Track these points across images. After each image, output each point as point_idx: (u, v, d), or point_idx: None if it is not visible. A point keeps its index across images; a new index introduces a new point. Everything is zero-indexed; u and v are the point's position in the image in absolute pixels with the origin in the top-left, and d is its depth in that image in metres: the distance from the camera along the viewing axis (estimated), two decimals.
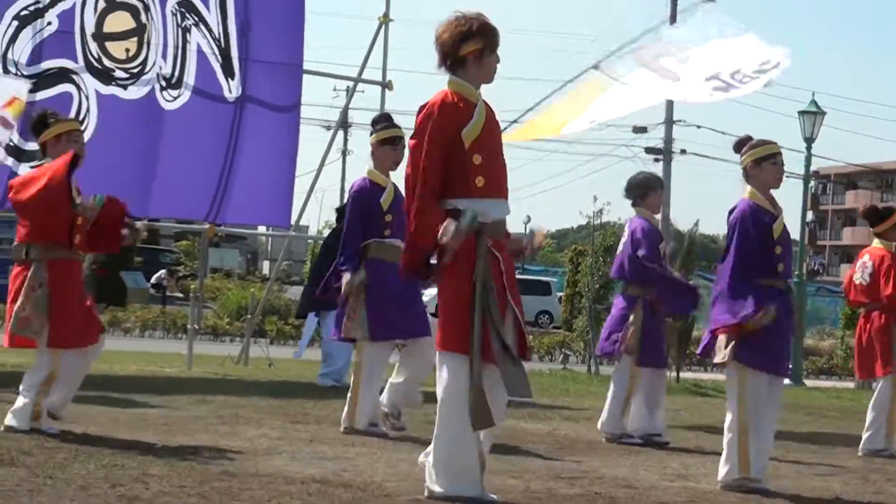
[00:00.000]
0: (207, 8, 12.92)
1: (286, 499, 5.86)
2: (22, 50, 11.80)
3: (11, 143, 11.64)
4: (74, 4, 12.05)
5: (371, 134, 8.94)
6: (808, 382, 22.36)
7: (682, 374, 17.72)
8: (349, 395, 8.73)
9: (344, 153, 56.80)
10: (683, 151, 39.09)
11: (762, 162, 7.38)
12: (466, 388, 5.82)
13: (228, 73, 13.06)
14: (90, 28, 12.17)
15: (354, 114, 60.74)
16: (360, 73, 15.38)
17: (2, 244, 25.68)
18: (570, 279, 30.12)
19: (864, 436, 9.82)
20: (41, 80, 11.90)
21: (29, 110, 11.29)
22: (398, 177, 8.51)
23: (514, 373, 5.87)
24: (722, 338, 7.27)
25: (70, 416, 7.93)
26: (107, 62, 12.26)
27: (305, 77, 13.82)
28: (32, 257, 7.40)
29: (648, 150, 37.29)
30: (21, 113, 10.53)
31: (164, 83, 12.60)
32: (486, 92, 6.24)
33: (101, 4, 12.22)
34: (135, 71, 12.43)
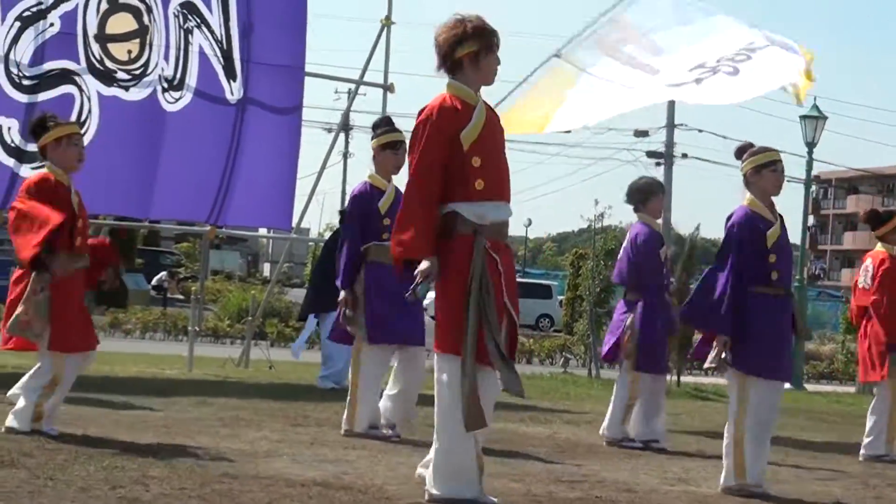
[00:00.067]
0: (209, 10, 12.92)
1: (287, 501, 5.86)
2: (24, 51, 11.79)
3: (13, 145, 11.64)
4: (77, 6, 12.05)
5: (372, 138, 8.95)
6: (809, 387, 22.34)
7: (682, 378, 17.71)
8: (348, 398, 8.73)
9: (345, 156, 56.81)
10: (685, 155, 39.19)
11: (762, 169, 7.39)
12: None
13: (230, 75, 13.06)
14: (92, 29, 12.17)
15: (356, 116, 60.82)
16: (362, 75, 15.38)
17: (3, 245, 25.65)
18: (571, 283, 30.11)
19: (865, 441, 9.82)
20: (43, 82, 11.90)
21: (30, 112, 11.33)
22: (401, 180, 8.53)
23: (508, 372, 5.86)
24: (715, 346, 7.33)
25: (70, 417, 7.94)
26: (109, 63, 12.26)
27: (307, 79, 13.83)
28: None
29: (650, 154, 37.36)
30: None
31: (165, 85, 12.60)
32: (487, 94, 6.25)
33: (104, 6, 12.22)
34: (137, 72, 12.42)
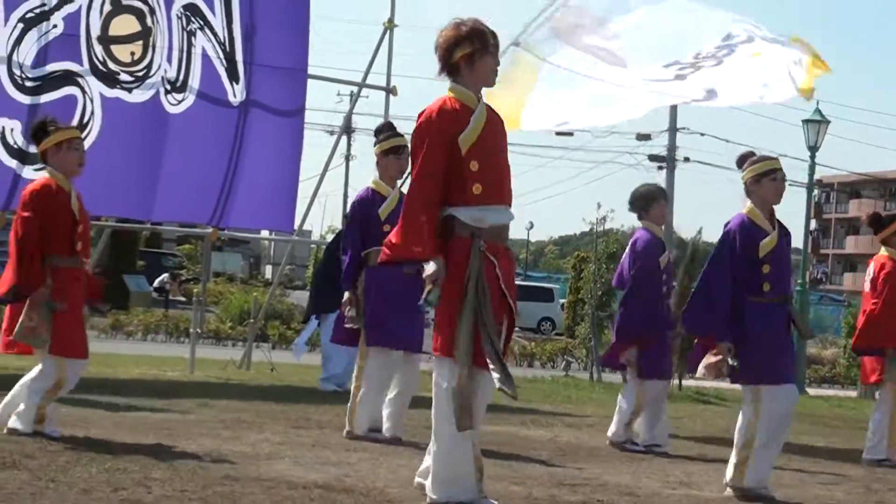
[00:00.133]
0: (213, 12, 12.92)
1: None
2: (27, 52, 11.79)
3: (15, 146, 11.64)
4: (80, 7, 12.04)
5: (375, 144, 8.95)
6: (811, 391, 22.35)
7: (684, 382, 17.69)
8: (350, 400, 8.74)
9: (347, 158, 56.81)
10: (687, 159, 39.08)
11: (762, 178, 7.41)
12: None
13: (233, 77, 13.06)
14: (95, 31, 12.17)
15: (358, 119, 60.84)
16: (365, 78, 15.38)
17: (4, 246, 25.68)
18: (573, 286, 30.13)
19: (867, 446, 9.83)
20: (46, 83, 11.89)
21: (33, 114, 11.33)
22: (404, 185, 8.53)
23: (504, 374, 5.84)
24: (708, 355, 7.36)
25: (72, 419, 7.94)
26: (112, 65, 12.26)
27: (310, 82, 13.82)
28: None
29: (652, 158, 37.32)
30: None
31: (168, 87, 12.60)
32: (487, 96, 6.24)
33: (107, 7, 12.21)
34: (140, 74, 12.42)
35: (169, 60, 12.60)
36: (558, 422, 11.09)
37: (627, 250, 9.83)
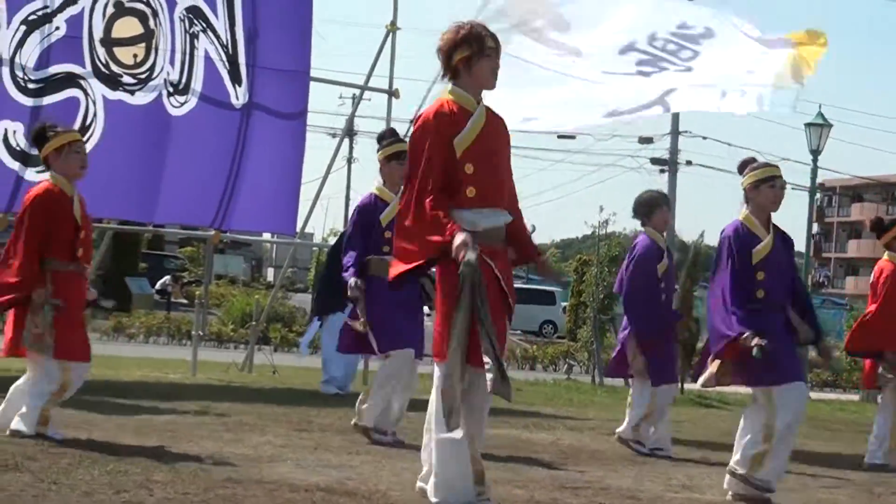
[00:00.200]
0: (215, 14, 12.92)
1: None
2: (30, 54, 11.79)
3: (18, 148, 11.64)
4: (83, 9, 12.05)
5: (378, 150, 8.96)
6: (813, 395, 22.28)
7: (686, 386, 17.68)
8: (364, 392, 8.80)
9: (349, 161, 56.76)
10: (689, 163, 39.02)
11: (760, 184, 7.43)
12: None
13: (235, 79, 13.06)
14: (98, 33, 12.17)
15: (360, 122, 60.82)
16: (367, 80, 15.37)
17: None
18: (575, 289, 30.08)
19: (869, 450, 9.86)
20: (48, 85, 11.90)
21: (36, 116, 11.34)
22: None
23: (500, 375, 5.81)
24: (713, 365, 7.36)
25: (74, 421, 7.94)
26: (114, 67, 12.26)
27: (312, 84, 13.81)
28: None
29: (654, 161, 37.26)
30: None
31: (171, 89, 12.60)
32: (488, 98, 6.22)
33: (110, 10, 12.22)
34: (142, 76, 12.42)
35: (171, 63, 12.61)
36: (560, 425, 11.08)
37: (627, 256, 9.90)
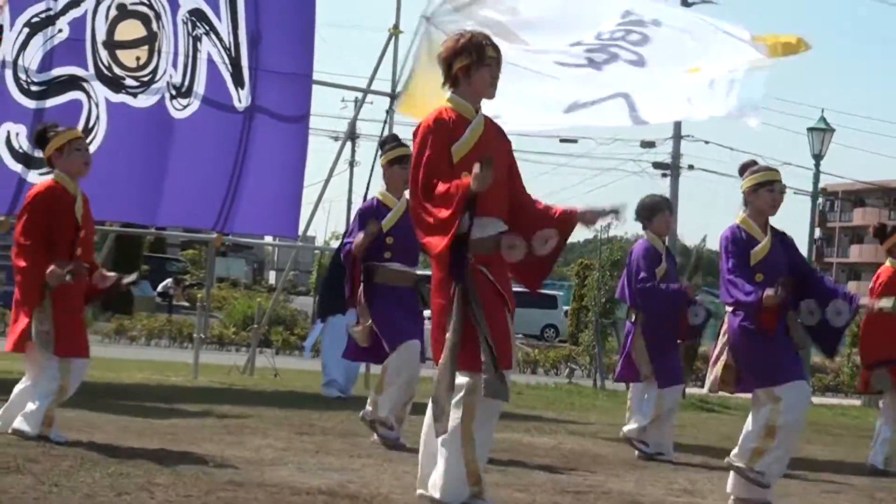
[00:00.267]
0: (218, 17, 12.93)
1: None
2: (32, 57, 11.81)
3: (21, 150, 11.64)
4: (86, 12, 12.07)
5: (380, 155, 8.96)
6: (815, 399, 22.25)
7: (688, 390, 17.66)
8: (376, 385, 8.83)
9: (351, 164, 56.71)
10: (691, 167, 39.15)
11: (759, 188, 7.43)
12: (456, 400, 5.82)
13: (238, 82, 13.06)
14: (101, 36, 12.19)
15: (363, 125, 60.78)
16: (370, 84, 15.38)
17: (8, 250, 25.73)
18: (577, 293, 30.08)
19: (872, 451, 9.95)
20: (51, 88, 11.91)
21: (38, 118, 11.35)
22: None
23: (494, 377, 5.80)
24: (717, 367, 7.38)
25: (76, 424, 7.94)
26: (117, 70, 12.28)
27: (314, 87, 13.82)
28: None
29: (656, 165, 37.25)
30: None
31: (174, 92, 12.61)
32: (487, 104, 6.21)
33: (113, 12, 12.24)
34: (145, 79, 12.44)
35: (174, 66, 12.62)
36: (562, 429, 11.08)
37: (627, 262, 9.91)
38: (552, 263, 6.18)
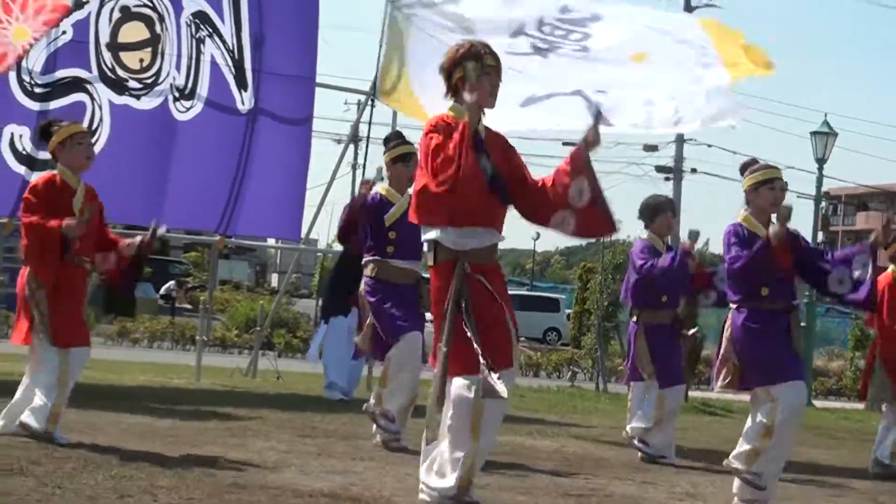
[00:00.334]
0: (222, 19, 12.93)
1: None
2: (36, 59, 11.82)
3: (24, 152, 11.65)
4: (89, 14, 12.07)
5: (384, 153, 8.97)
6: (818, 403, 22.32)
7: (690, 393, 17.67)
8: (381, 381, 8.85)
9: (354, 167, 56.68)
10: (694, 170, 39.01)
11: (760, 186, 7.44)
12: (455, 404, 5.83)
13: (241, 84, 13.07)
14: (105, 38, 12.20)
15: (365, 128, 60.63)
16: (373, 86, 15.35)
17: (12, 252, 25.69)
18: (579, 296, 30.16)
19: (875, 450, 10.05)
20: (54, 90, 11.92)
21: (42, 120, 11.36)
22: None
23: (487, 379, 5.80)
24: (724, 367, 7.40)
25: (79, 426, 7.94)
26: (120, 72, 12.28)
27: (317, 90, 13.82)
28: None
29: (659, 169, 37.29)
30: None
31: (177, 94, 12.61)
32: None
33: (116, 14, 12.25)
34: (148, 81, 12.44)
35: (178, 68, 12.62)
36: (564, 432, 11.08)
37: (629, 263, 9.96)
38: (605, 201, 6.02)
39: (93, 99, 12.11)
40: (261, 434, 8.90)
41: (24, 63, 11.72)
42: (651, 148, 37.45)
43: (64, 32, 11.93)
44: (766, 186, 7.42)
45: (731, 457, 7.33)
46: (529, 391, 16.77)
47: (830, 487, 8.70)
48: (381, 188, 8.92)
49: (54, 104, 11.86)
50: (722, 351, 7.46)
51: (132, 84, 12.36)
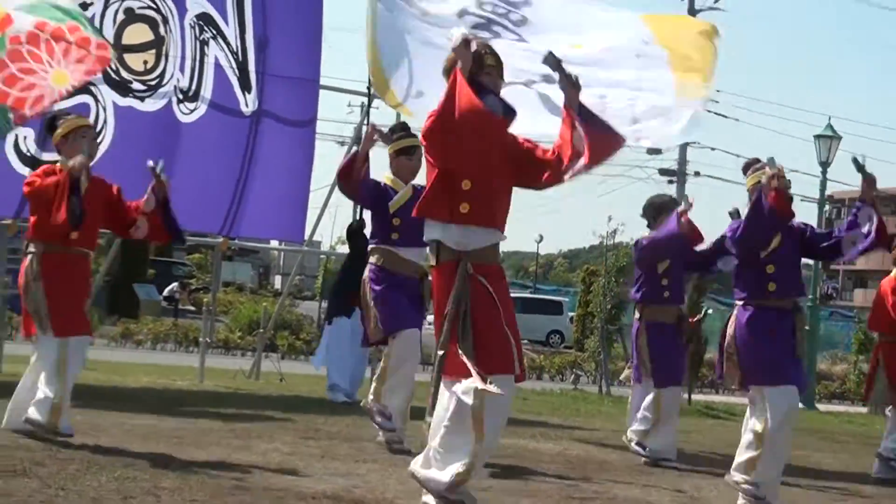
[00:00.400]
0: (226, 21, 12.94)
1: None
2: None
3: (28, 154, 11.65)
4: (93, 16, 12.04)
5: (388, 145, 8.96)
6: (821, 407, 22.30)
7: (693, 397, 17.67)
8: (377, 374, 8.86)
9: None
10: (697, 173, 39.04)
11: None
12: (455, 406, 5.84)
13: (245, 86, 13.07)
14: (108, 39, 12.18)
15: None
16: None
17: (17, 254, 25.73)
18: (582, 299, 30.12)
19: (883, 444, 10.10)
20: None
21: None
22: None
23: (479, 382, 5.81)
24: (727, 364, 7.41)
25: (82, 427, 7.94)
26: (124, 74, 12.29)
27: (321, 92, 13.82)
28: (30, 251, 7.60)
29: (662, 172, 37.28)
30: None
31: (181, 96, 12.62)
32: None
33: (120, 16, 12.25)
34: (152, 83, 12.45)
35: (182, 70, 12.62)
36: (567, 435, 11.07)
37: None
38: (602, 121, 5.93)
39: (97, 100, 12.11)
40: (264, 436, 8.90)
41: None
42: (655, 151, 37.38)
43: None
44: None
45: (731, 470, 7.34)
46: (533, 394, 16.76)
47: (833, 491, 8.69)
48: (385, 177, 8.91)
49: (57, 106, 11.83)
50: (725, 347, 7.47)
51: (136, 86, 12.36)
